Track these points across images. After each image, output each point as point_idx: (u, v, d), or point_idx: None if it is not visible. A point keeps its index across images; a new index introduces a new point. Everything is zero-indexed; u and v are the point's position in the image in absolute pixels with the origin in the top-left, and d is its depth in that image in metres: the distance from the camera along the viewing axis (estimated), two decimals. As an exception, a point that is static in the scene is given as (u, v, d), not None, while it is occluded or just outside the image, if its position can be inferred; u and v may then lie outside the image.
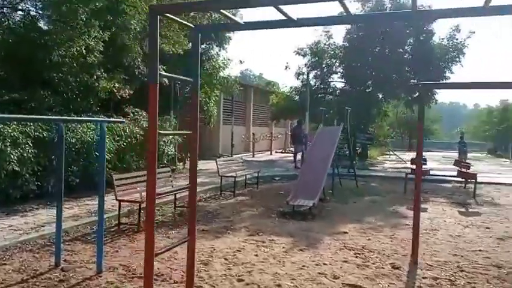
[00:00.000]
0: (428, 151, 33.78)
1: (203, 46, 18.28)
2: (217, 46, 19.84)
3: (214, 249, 6.12)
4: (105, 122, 5.40)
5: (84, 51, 10.15)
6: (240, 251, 6.09)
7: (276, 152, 27.62)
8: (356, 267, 5.46)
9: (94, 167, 9.75)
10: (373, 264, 5.59)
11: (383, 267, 5.47)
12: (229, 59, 20.08)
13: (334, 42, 24.46)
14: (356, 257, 5.91)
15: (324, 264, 5.53)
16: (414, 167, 11.77)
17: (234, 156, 22.46)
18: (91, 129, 9.82)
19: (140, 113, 11.95)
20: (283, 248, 6.29)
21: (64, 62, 10.35)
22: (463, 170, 10.24)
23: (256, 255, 5.88)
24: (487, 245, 6.68)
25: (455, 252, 6.28)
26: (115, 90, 11.01)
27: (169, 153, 12.80)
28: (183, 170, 15.03)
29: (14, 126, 8.11)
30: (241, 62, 20.90)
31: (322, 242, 6.66)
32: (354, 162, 14.17)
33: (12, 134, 7.95)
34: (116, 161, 10.59)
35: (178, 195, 9.08)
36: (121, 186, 7.57)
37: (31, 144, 8.26)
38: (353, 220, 8.36)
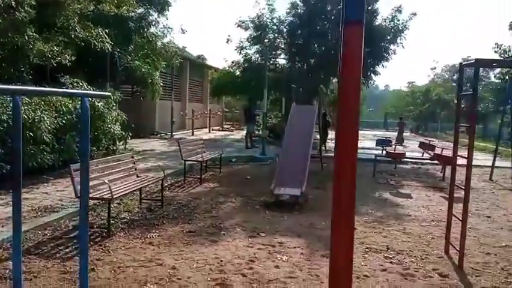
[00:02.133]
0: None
1: (141, 10, 16.17)
2: (155, 11, 17.74)
3: (221, 261, 4.87)
4: (88, 97, 3.77)
5: (13, 3, 7.90)
6: (253, 261, 4.92)
7: (213, 130, 26.24)
8: (402, 277, 4.61)
9: (28, 150, 7.80)
10: (416, 271, 4.78)
11: (431, 276, 4.68)
12: (169, 27, 18.15)
13: (278, 16, 23.44)
14: (391, 262, 5.07)
15: (366, 276, 4.60)
16: (380, 149, 11.68)
17: (174, 134, 20.75)
18: (23, 103, 7.75)
19: (80, 84, 9.91)
20: (301, 254, 5.24)
21: (-18, 16, 8.02)
22: (440, 153, 10.04)
23: (277, 267, 4.75)
24: (508, 239, 6.26)
25: (484, 249, 5.73)
26: (52, 55, 8.88)
27: (116, 132, 10.92)
28: (125, 150, 13.19)
29: None
30: (183, 31, 18.68)
31: (340, 243, 5.72)
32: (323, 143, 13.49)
33: None
34: (55, 143, 8.62)
35: (138, 183, 7.53)
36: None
37: None
38: (348, 211, 7.56)
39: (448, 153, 10.47)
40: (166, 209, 7.21)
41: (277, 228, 6.31)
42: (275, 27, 23.38)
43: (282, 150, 9.22)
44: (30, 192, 7.43)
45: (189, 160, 9.85)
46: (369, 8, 21.47)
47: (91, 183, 6.10)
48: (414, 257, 5.29)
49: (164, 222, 6.40)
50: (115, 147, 12.53)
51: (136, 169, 7.46)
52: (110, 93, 3.74)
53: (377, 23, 21.91)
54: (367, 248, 5.57)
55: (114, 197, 5.77)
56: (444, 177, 11.39)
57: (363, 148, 19.25)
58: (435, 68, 52.52)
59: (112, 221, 5.99)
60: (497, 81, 32.54)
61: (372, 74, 22.45)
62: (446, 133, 31.85)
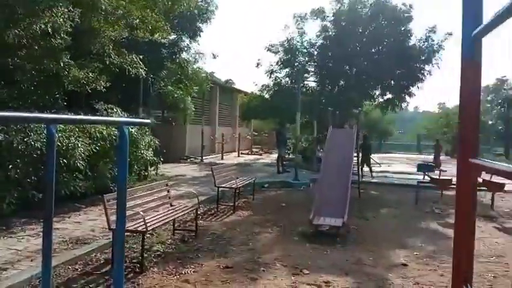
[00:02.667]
0: (388, 153, 33.82)
1: (173, 36, 16.31)
2: (187, 38, 17.89)
3: (266, 303, 4.43)
4: (127, 125, 3.50)
5: (50, 30, 7.93)
6: (299, 303, 4.45)
7: (242, 154, 25.96)
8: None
9: (61, 178, 7.65)
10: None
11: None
12: (201, 53, 18.24)
13: (308, 39, 23.31)
14: (455, 307, 4.49)
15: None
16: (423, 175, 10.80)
17: (204, 158, 20.59)
18: (59, 130, 7.67)
19: (115, 110, 9.84)
20: (352, 295, 4.73)
21: (21, 44, 8.08)
22: (489, 179, 9.29)
23: (329, 312, 4.27)
24: None
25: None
26: (87, 82, 8.84)
27: (149, 158, 10.76)
28: (156, 176, 13.03)
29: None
30: (214, 56, 18.71)
31: (393, 283, 5.18)
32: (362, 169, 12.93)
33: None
34: (87, 170, 8.48)
35: (173, 212, 7.20)
36: (114, 206, 5.62)
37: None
38: (396, 244, 7.00)
39: (497, 179, 9.71)
40: (200, 240, 6.84)
41: (321, 264, 5.83)
42: (305, 50, 23.27)
43: (320, 176, 8.77)
44: (61, 221, 7.23)
45: (223, 187, 9.50)
46: (403, 28, 21.06)
47: (129, 214, 5.85)
48: (481, 301, 4.69)
49: (200, 255, 6.02)
50: (146, 173, 12.39)
51: (170, 197, 7.16)
52: (150, 121, 3.48)
53: (410, 43, 21.39)
54: (424, 289, 5.00)
55: (149, 229, 5.46)
56: (494, 205, 10.58)
57: (401, 173, 18.50)
58: (468, 89, 50.38)
59: (144, 254, 5.66)
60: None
61: (406, 96, 21.77)
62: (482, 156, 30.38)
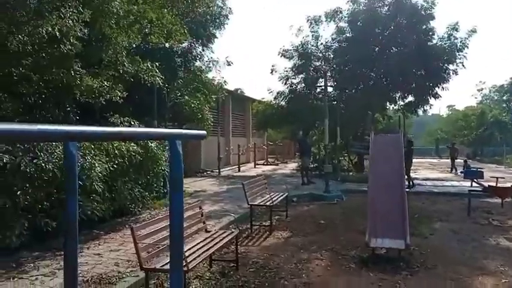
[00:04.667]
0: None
1: (185, 44, 15.39)
2: (200, 45, 16.99)
3: None
4: (180, 139, 2.45)
5: (58, 34, 6.97)
6: None
7: (258, 165, 24.90)
8: None
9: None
10: None
11: None
12: (215, 60, 17.31)
13: (322, 43, 22.35)
14: None
15: None
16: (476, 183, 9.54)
17: (221, 171, 19.56)
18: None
19: (132, 122, 8.86)
20: None
21: (26, 51, 7.13)
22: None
23: None
24: None
25: None
26: (102, 92, 7.88)
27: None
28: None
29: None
30: (228, 63, 17.77)
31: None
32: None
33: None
34: (106, 191, 7.46)
35: (211, 242, 6.13)
36: (144, 240, 4.60)
37: (-17, 177, 5.07)
38: (475, 268, 5.90)
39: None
40: (243, 272, 5.78)
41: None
42: (320, 54, 22.32)
43: (370, 190, 7.68)
44: (79, 253, 6.19)
45: (256, 205, 8.44)
46: (424, 27, 20.03)
47: (150, 248, 4.81)
48: None
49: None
50: (165, 190, 11.38)
51: (204, 222, 6.11)
52: (205, 132, 2.59)
53: (433, 42, 20.32)
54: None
55: (190, 267, 4.41)
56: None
57: (433, 179, 17.34)
58: (482, 90, 49.50)
59: (184, 297, 4.61)
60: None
61: (431, 98, 20.63)
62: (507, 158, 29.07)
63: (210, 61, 17.08)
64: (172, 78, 13.58)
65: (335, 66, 21.53)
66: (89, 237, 7.03)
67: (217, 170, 19.40)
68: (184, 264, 4.36)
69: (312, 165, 17.38)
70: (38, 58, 7.48)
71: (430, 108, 23.23)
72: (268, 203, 8.45)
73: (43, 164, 5.94)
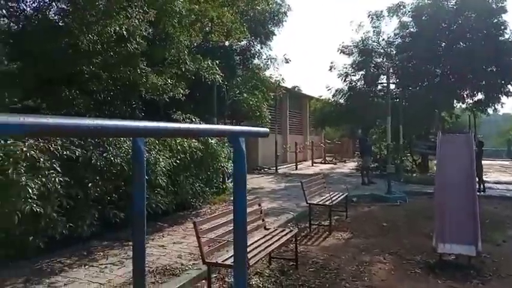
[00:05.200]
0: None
1: (244, 42, 15.49)
2: (258, 43, 17.04)
3: None
4: (243, 136, 2.41)
5: (125, 33, 7.27)
6: None
7: (316, 163, 24.56)
8: None
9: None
10: None
11: None
12: (273, 58, 17.30)
13: (384, 39, 21.57)
14: None
15: None
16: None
17: (278, 169, 19.53)
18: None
19: (193, 119, 9.05)
20: None
21: (95, 51, 7.50)
22: None
23: None
24: None
25: None
26: (165, 89, 8.11)
27: (229, 170, 9.88)
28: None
29: (30, 141, 5.25)
30: (286, 60, 17.68)
31: None
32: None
33: (28, 154, 5.08)
34: (169, 185, 7.69)
35: (270, 240, 6.09)
36: (206, 235, 4.65)
37: (58, 169, 5.38)
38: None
39: None
40: (302, 271, 5.68)
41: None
42: (382, 50, 21.56)
43: (437, 192, 7.26)
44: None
45: (315, 204, 8.29)
46: (495, 21, 18.67)
47: (211, 243, 4.85)
48: None
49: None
50: (224, 185, 11.54)
51: (263, 219, 6.09)
52: (267, 130, 2.55)
53: (505, 37, 18.88)
54: None
55: (251, 264, 4.40)
56: None
57: (506, 183, 16.13)
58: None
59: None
60: None
61: (502, 96, 19.21)
62: None
63: (268, 59, 17.12)
64: (231, 76, 13.75)
65: (397, 62, 20.69)
66: (153, 229, 7.27)
67: (274, 168, 19.40)
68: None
69: (372, 165, 16.82)
70: (107, 57, 7.84)
71: (502, 107, 21.66)
72: (327, 203, 8.26)
73: (112, 158, 6.23)
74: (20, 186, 4.74)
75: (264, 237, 5.56)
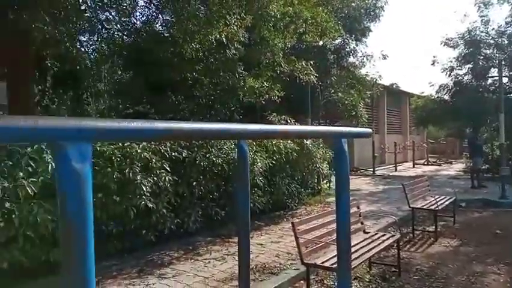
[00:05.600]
0: None
1: (338, 40, 15.18)
2: (353, 40, 16.59)
3: None
4: (345, 137, 2.38)
5: (224, 39, 7.62)
6: None
7: (417, 164, 23.16)
8: None
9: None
10: None
11: None
12: (369, 55, 16.73)
13: (494, 28, 19.60)
14: None
15: None
16: None
17: (376, 170, 18.85)
18: (236, 144, 7.23)
19: (289, 121, 9.15)
20: None
21: (198, 58, 7.98)
22: None
23: None
24: None
25: None
26: (261, 92, 8.33)
27: (325, 171, 9.80)
28: (329, 190, 12.00)
29: (143, 144, 5.76)
30: (384, 57, 16.98)
31: None
32: None
33: (142, 155, 5.58)
34: (266, 185, 7.88)
35: (370, 244, 5.89)
36: (304, 235, 4.66)
37: (168, 169, 5.83)
38: None
39: None
40: (406, 279, 5.41)
41: None
42: (492, 41, 19.60)
43: None
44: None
45: (419, 208, 7.82)
46: None
47: (309, 244, 4.84)
48: None
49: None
50: (319, 187, 11.46)
51: (362, 222, 5.93)
52: (370, 130, 2.51)
53: None
54: None
55: (353, 267, 4.31)
56: None
57: None
58: None
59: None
60: None
61: None
62: None
63: (363, 56, 16.62)
64: (325, 76, 13.64)
65: (510, 53, 18.66)
66: (252, 227, 7.46)
67: (372, 169, 18.76)
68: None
69: (483, 167, 15.37)
70: (208, 63, 8.30)
71: None
72: (432, 207, 7.74)
73: (214, 159, 6.57)
74: (135, 184, 5.24)
75: (363, 240, 5.40)
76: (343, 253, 2.20)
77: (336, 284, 4.97)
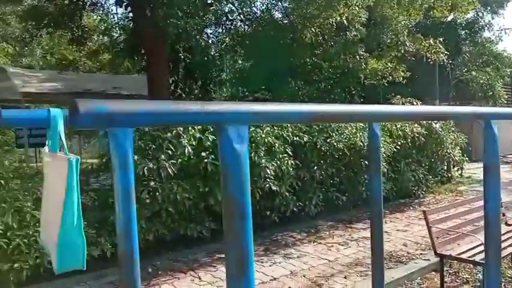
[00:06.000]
0: None
1: (470, 15, 13.60)
2: (489, 13, 14.75)
3: None
4: (495, 119, 2.16)
5: (345, 21, 7.42)
6: None
7: None
8: None
9: (362, 179, 7.02)
10: None
11: None
12: (507, 28, 14.72)
13: None
14: None
15: None
16: None
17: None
18: (358, 129, 7.06)
19: (415, 103, 8.58)
20: None
21: (317, 42, 7.92)
22: None
23: None
24: None
25: None
26: (384, 74, 7.95)
27: (456, 158, 9.01)
28: (461, 178, 11.01)
29: (267, 129, 5.98)
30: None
31: None
32: None
33: (266, 140, 5.80)
34: (390, 172, 7.56)
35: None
36: (436, 225, 4.37)
37: (290, 153, 5.97)
38: None
39: None
40: (560, 279, 4.73)
41: None
42: None
43: None
44: (367, 228, 6.52)
45: None
46: None
47: (441, 234, 4.52)
48: None
49: None
50: (449, 174, 10.58)
51: (504, 214, 5.32)
52: None
53: None
54: None
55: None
56: None
57: None
58: None
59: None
60: None
61: None
62: None
63: (501, 30, 14.72)
64: (455, 54, 12.42)
65: None
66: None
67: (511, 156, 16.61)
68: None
69: None
70: (327, 47, 8.19)
71: None
72: None
73: (335, 143, 6.52)
74: (260, 167, 5.47)
75: (506, 233, 4.85)
76: (492, 247, 2.02)
77: (478, 278, 4.61)
